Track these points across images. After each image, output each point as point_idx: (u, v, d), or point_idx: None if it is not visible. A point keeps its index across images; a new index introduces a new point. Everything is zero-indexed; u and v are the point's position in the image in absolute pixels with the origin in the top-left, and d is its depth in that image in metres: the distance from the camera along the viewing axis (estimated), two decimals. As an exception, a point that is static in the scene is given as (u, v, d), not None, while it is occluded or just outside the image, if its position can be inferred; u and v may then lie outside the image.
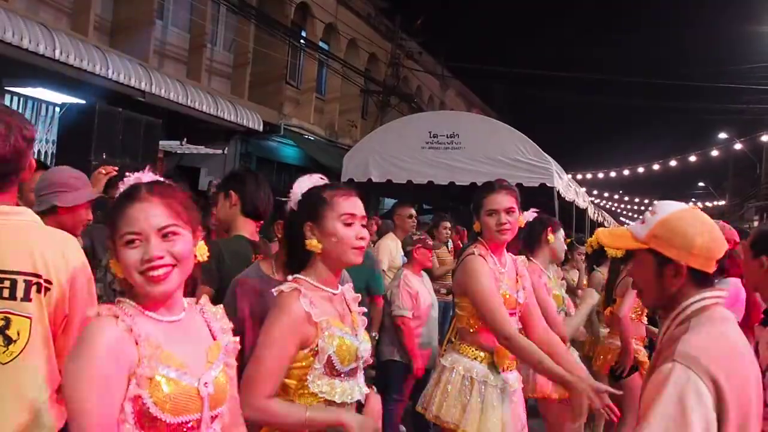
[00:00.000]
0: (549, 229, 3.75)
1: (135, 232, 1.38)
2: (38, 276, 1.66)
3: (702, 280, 1.62)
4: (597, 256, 5.94)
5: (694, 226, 1.62)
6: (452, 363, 2.77)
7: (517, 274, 2.87)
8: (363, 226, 1.92)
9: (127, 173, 1.49)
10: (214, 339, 1.53)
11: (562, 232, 3.94)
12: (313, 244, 1.87)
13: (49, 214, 2.68)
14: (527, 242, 3.72)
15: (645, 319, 4.58)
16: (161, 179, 1.49)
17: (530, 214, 3.48)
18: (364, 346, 1.93)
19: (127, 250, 1.38)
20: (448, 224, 6.86)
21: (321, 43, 15.88)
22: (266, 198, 2.86)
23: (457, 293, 2.86)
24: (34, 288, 1.65)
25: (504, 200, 2.74)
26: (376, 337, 4.37)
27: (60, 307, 1.70)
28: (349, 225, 1.87)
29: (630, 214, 38.61)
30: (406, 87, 19.63)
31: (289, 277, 1.89)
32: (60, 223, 2.63)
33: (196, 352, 1.45)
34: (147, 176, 1.48)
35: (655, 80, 26.13)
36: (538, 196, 8.06)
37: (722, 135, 24.87)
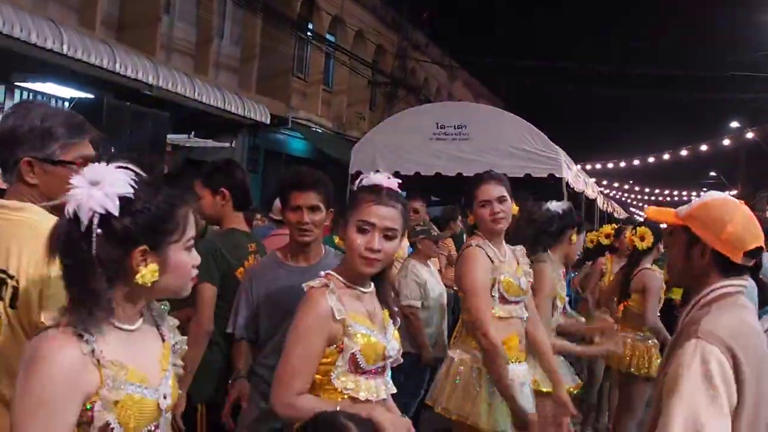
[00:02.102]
0: (575, 229, 3.62)
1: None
2: (5, 272, 1.58)
3: (728, 267, 1.67)
4: (595, 252, 5.87)
5: (730, 214, 1.67)
6: (460, 355, 2.78)
7: (517, 263, 2.87)
8: (387, 237, 1.84)
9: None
10: (164, 341, 1.46)
11: (584, 235, 3.84)
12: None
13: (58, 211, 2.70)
14: (549, 235, 3.50)
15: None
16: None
17: (559, 205, 3.45)
18: (392, 345, 1.91)
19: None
20: (459, 217, 6.82)
21: (328, 36, 15.84)
22: (249, 185, 2.89)
23: (458, 286, 2.88)
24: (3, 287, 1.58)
25: (494, 190, 2.74)
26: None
27: (29, 310, 1.58)
28: (363, 232, 1.83)
29: (640, 204, 38.35)
30: (413, 78, 19.57)
31: (322, 272, 1.89)
32: None
33: (152, 361, 1.39)
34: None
35: (665, 69, 25.90)
36: (546, 187, 8.02)
37: (734, 124, 24.64)
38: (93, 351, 1.26)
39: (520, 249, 2.97)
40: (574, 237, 3.61)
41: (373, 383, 1.86)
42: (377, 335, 1.87)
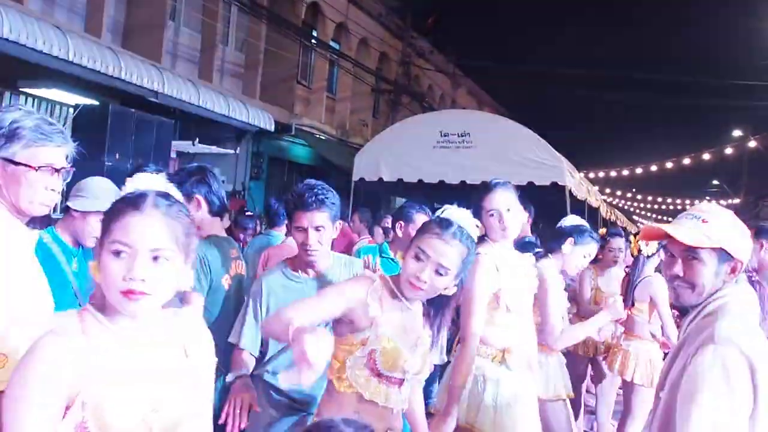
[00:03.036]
0: (572, 240, 3.61)
1: (125, 244, 1.27)
2: None
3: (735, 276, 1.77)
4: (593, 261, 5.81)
5: (743, 230, 1.79)
6: None
7: (524, 270, 2.87)
8: (438, 272, 1.91)
9: (140, 170, 1.45)
10: (186, 354, 1.40)
11: (588, 248, 3.78)
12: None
13: (65, 216, 2.71)
14: (549, 244, 3.64)
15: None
16: (170, 193, 1.37)
17: (573, 219, 3.46)
18: (414, 361, 1.93)
19: (112, 259, 1.27)
20: None
21: (332, 43, 15.90)
22: (223, 191, 2.84)
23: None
24: None
25: (502, 198, 2.74)
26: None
27: None
28: (417, 259, 1.93)
29: (643, 212, 38.32)
30: (417, 86, 19.61)
31: (370, 274, 2.00)
32: (70, 227, 2.65)
33: (156, 371, 1.33)
34: (158, 183, 1.36)
35: (668, 77, 25.92)
36: (549, 195, 8.03)
37: (737, 132, 24.61)
38: (81, 348, 1.25)
39: (529, 256, 2.98)
40: (567, 248, 3.60)
41: (384, 388, 1.87)
42: (405, 347, 1.89)
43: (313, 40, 15.07)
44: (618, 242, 4.94)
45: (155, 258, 1.28)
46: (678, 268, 1.77)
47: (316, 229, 2.36)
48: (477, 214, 2.77)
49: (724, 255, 1.75)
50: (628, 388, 4.39)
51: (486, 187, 2.81)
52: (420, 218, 3.73)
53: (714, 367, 1.57)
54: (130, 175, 1.42)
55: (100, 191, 2.66)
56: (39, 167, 1.75)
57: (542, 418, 3.35)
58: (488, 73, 22.54)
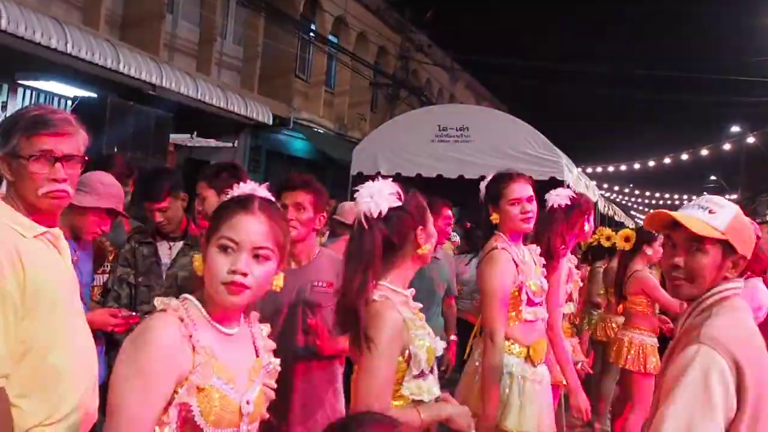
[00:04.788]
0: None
1: (233, 240, 1.38)
2: None
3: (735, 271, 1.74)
4: (596, 252, 5.94)
5: (748, 225, 1.77)
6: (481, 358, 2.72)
7: (534, 263, 2.86)
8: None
9: (243, 180, 1.50)
10: (257, 356, 1.52)
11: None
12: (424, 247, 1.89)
13: (65, 209, 2.71)
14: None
15: (657, 311, 4.60)
16: (273, 199, 1.49)
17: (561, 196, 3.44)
18: (440, 344, 1.94)
19: (219, 254, 1.38)
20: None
21: (330, 37, 15.86)
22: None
23: (479, 286, 2.80)
24: None
25: (525, 189, 2.73)
26: (452, 338, 4.39)
27: None
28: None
29: (641, 207, 38.36)
30: (415, 80, 19.58)
31: (377, 293, 1.84)
32: (70, 222, 2.65)
33: (242, 368, 1.45)
34: (262, 191, 1.48)
35: (666, 73, 25.93)
36: (547, 190, 8.03)
37: (734, 128, 24.64)
38: (191, 336, 1.34)
39: (535, 248, 2.95)
40: None
41: (428, 383, 1.88)
42: (427, 337, 1.90)
43: (311, 34, 15.03)
44: None
45: (256, 256, 1.39)
46: (679, 259, 1.72)
47: (296, 206, 2.43)
48: (494, 203, 2.74)
49: (728, 248, 1.70)
50: (624, 376, 4.50)
51: (508, 176, 2.77)
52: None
53: (694, 367, 1.53)
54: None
55: (101, 186, 2.66)
56: (31, 156, 1.69)
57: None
58: (487, 68, 22.52)
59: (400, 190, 1.89)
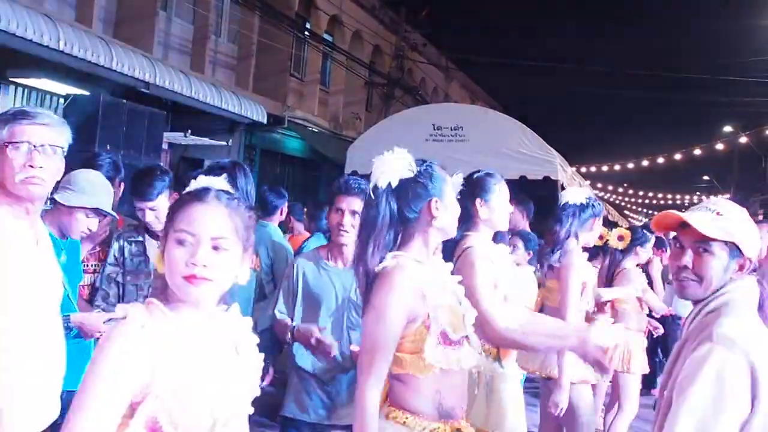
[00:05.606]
0: None
1: (189, 232, 1.35)
2: None
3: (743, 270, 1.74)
4: (591, 252, 5.92)
5: (754, 228, 1.77)
6: None
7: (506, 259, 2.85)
8: None
9: (201, 172, 1.50)
10: (237, 352, 1.48)
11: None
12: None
13: (53, 207, 2.69)
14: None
15: (646, 311, 4.62)
16: (231, 191, 1.46)
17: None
18: (471, 313, 1.95)
19: (176, 247, 1.35)
20: None
21: (325, 35, 15.82)
22: (252, 185, 3.00)
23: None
24: None
25: (507, 191, 2.76)
26: None
27: None
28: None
29: (634, 207, 38.51)
30: (410, 79, 19.57)
31: (390, 255, 1.88)
32: (55, 219, 2.63)
33: (216, 367, 1.41)
34: (220, 182, 1.45)
35: (659, 72, 26.02)
36: (541, 189, 8.05)
37: (727, 128, 24.75)
38: (145, 342, 1.30)
39: (502, 246, 2.93)
40: None
41: (462, 353, 1.87)
42: (456, 304, 1.90)
43: (306, 32, 14.99)
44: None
45: (215, 247, 1.36)
46: (687, 259, 1.73)
47: (352, 213, 2.55)
48: (485, 199, 2.74)
49: (735, 250, 1.72)
50: (614, 377, 4.52)
51: (490, 176, 2.79)
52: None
53: (708, 367, 1.54)
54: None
55: (88, 185, 2.63)
56: (9, 143, 1.80)
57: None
58: (481, 67, 22.53)
59: (413, 162, 1.92)
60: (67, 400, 1.98)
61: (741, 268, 1.73)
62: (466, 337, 1.92)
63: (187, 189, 1.44)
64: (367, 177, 1.96)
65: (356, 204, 2.54)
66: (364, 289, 1.89)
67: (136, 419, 1.28)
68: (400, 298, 1.81)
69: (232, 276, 1.40)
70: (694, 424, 1.51)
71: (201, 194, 1.40)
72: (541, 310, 3.69)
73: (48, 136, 1.84)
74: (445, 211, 1.94)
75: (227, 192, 1.43)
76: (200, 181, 1.44)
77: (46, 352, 1.85)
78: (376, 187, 1.89)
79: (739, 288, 1.71)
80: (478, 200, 2.71)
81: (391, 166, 1.90)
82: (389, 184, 1.88)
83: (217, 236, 1.36)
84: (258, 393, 1.52)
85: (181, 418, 1.30)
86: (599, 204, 3.54)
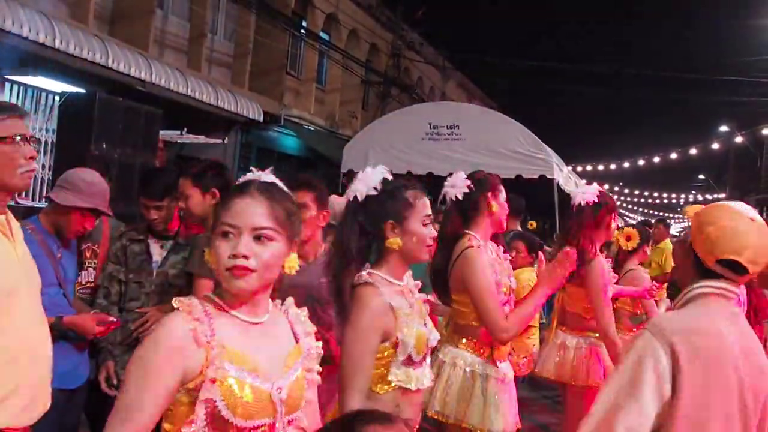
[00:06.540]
0: None
1: (231, 225, 1.37)
2: None
3: (705, 270, 1.69)
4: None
5: (714, 217, 1.69)
6: (453, 358, 2.74)
7: (501, 259, 2.87)
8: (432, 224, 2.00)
9: (251, 169, 1.49)
10: (297, 342, 1.51)
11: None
12: (396, 242, 1.92)
13: (48, 206, 2.69)
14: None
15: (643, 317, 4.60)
16: (278, 182, 1.47)
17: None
18: (434, 335, 1.98)
19: (221, 241, 1.37)
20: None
21: (322, 34, 15.81)
22: None
23: (456, 289, 2.76)
24: None
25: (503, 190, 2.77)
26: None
27: None
28: (426, 225, 1.96)
29: (630, 206, 38.59)
30: (406, 78, 19.57)
31: (364, 272, 1.92)
32: (51, 219, 2.62)
33: (274, 356, 1.44)
34: (267, 176, 1.47)
35: (656, 72, 26.09)
36: (537, 188, 8.06)
37: (723, 128, 24.82)
38: (198, 330, 1.33)
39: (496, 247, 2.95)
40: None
41: (419, 372, 1.92)
42: (422, 326, 1.93)
43: (302, 31, 14.98)
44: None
45: (258, 237, 1.38)
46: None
47: (299, 206, 2.47)
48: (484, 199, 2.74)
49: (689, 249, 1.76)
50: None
51: (490, 176, 2.80)
52: None
53: (633, 351, 1.60)
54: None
55: (84, 185, 2.63)
56: (10, 136, 1.81)
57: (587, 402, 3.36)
58: (478, 66, 22.56)
59: (388, 177, 1.93)
60: (58, 397, 1.99)
61: (688, 254, 1.73)
62: (424, 357, 1.97)
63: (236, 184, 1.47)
64: None
65: (300, 197, 2.46)
66: (336, 299, 1.91)
67: (198, 406, 1.32)
68: (375, 316, 1.85)
69: (277, 266, 1.42)
70: (608, 403, 1.57)
71: (243, 187, 1.42)
72: (561, 315, 3.66)
73: (29, 129, 1.90)
74: (403, 236, 1.93)
75: (270, 183, 1.45)
76: (246, 176, 1.47)
77: (31, 345, 1.85)
78: (349, 200, 1.94)
79: (710, 286, 1.67)
80: (483, 198, 2.74)
81: (364, 181, 1.92)
82: (356, 197, 1.91)
83: (258, 227, 1.37)
84: (319, 381, 1.55)
85: (239, 402, 1.33)
86: (611, 199, 3.46)
